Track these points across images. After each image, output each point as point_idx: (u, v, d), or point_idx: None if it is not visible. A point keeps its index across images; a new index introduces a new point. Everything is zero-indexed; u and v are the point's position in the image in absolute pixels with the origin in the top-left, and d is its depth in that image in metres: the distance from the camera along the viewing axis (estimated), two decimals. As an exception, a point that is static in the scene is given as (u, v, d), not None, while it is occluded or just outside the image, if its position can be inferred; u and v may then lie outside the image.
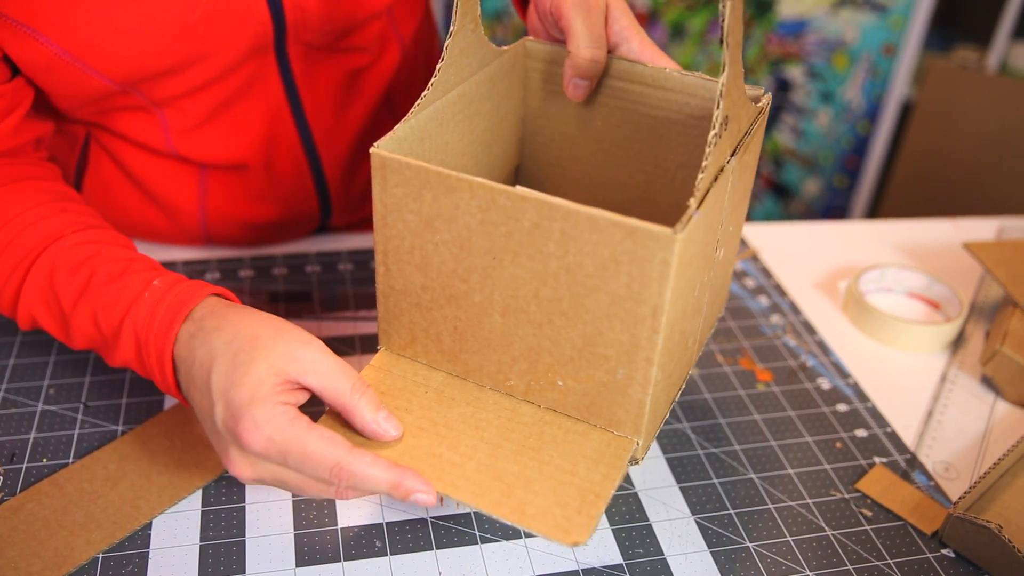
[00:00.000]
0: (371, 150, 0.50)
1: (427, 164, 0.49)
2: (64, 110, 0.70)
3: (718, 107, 0.46)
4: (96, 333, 0.56)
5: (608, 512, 0.59)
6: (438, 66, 0.55)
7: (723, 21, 0.44)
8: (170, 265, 0.78)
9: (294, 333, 0.50)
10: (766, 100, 0.57)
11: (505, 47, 0.62)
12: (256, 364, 0.48)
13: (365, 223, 0.89)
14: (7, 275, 0.58)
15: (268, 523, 0.56)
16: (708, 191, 0.48)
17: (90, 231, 0.59)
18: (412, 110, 0.54)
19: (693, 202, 0.46)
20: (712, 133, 0.46)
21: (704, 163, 0.46)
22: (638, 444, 0.52)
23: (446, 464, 0.51)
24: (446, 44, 0.55)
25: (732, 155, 0.51)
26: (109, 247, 0.58)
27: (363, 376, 0.54)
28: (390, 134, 0.52)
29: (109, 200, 0.78)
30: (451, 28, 0.54)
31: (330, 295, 0.76)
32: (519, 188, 0.47)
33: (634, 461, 0.53)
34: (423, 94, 0.54)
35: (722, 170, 0.50)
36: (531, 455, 0.51)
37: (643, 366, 0.49)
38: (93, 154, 0.76)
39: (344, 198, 0.83)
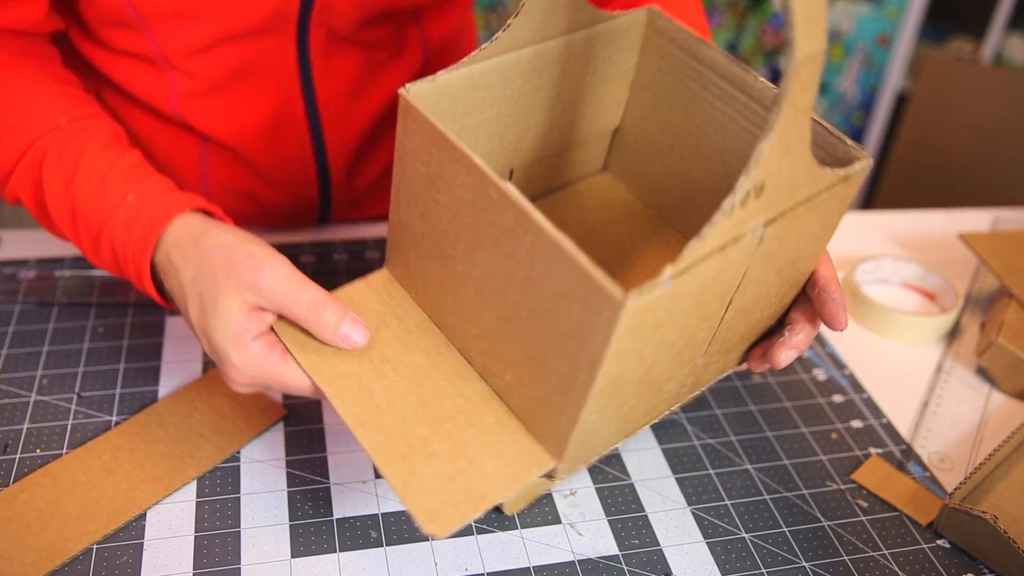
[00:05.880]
0: (400, 91, 0.49)
1: (439, 125, 0.47)
2: (88, 19, 0.69)
3: (747, 174, 0.41)
4: (73, 233, 0.59)
5: (604, 503, 0.58)
6: (509, 21, 0.52)
7: (786, 82, 0.39)
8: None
9: (246, 261, 0.52)
10: (861, 167, 0.50)
11: (620, 12, 0.59)
12: (221, 303, 0.51)
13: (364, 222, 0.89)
14: (3, 158, 0.60)
15: (263, 514, 0.56)
16: (705, 259, 0.43)
17: (84, 120, 0.60)
18: (464, 59, 0.51)
19: (669, 270, 0.41)
20: (728, 200, 0.41)
21: (705, 231, 0.42)
22: (556, 467, 0.50)
23: (368, 402, 0.51)
24: None
25: (767, 225, 0.46)
26: (97, 144, 0.58)
27: (353, 289, 0.56)
28: (430, 78, 0.50)
29: None
30: None
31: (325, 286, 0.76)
32: (508, 186, 0.45)
33: (550, 476, 0.52)
34: (483, 45, 0.52)
35: (737, 240, 0.44)
36: (451, 430, 0.50)
37: (574, 405, 0.46)
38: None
39: (346, 192, 0.83)
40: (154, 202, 0.56)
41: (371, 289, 0.57)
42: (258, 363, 0.51)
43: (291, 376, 0.52)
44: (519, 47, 0.54)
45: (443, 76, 0.51)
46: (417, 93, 0.49)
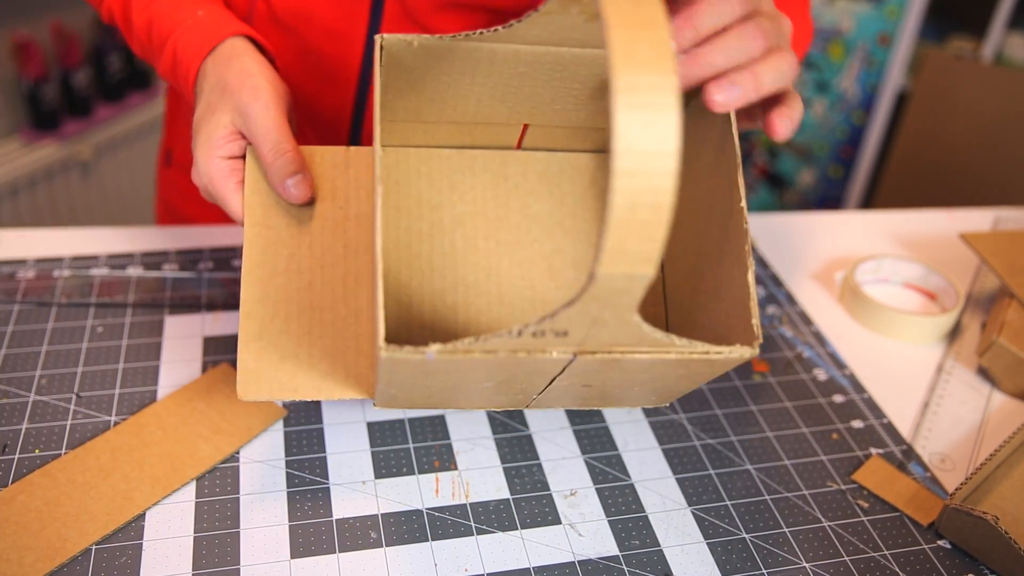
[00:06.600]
0: (376, 36, 0.49)
1: (378, 102, 0.48)
2: None
3: (540, 321, 0.40)
4: (147, 42, 0.66)
5: (604, 503, 0.58)
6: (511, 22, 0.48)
7: (587, 289, 0.37)
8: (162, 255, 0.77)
9: (250, 91, 0.57)
10: (729, 353, 0.46)
11: None
12: (216, 115, 0.57)
13: None
14: None
15: (262, 515, 0.56)
16: (486, 353, 0.43)
17: None
18: (462, 33, 0.49)
19: (435, 347, 0.42)
20: (516, 327, 0.41)
21: (488, 339, 0.42)
22: (373, 400, 0.54)
23: (270, 259, 0.56)
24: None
25: (577, 354, 0.45)
26: None
27: (330, 154, 0.59)
28: (409, 37, 0.49)
29: None
30: None
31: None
32: (378, 194, 0.46)
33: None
34: (485, 29, 0.49)
35: (532, 353, 0.44)
36: (313, 321, 0.55)
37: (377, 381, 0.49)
38: None
39: None
40: (220, 20, 0.62)
41: (347, 160, 0.59)
42: (213, 178, 0.57)
43: (233, 204, 0.57)
44: (534, 44, 0.51)
45: (431, 39, 0.49)
46: (397, 45, 0.49)
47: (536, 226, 0.62)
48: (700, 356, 0.45)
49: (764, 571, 0.55)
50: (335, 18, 0.72)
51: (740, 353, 0.46)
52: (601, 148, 0.63)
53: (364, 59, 0.74)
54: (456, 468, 0.60)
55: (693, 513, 0.58)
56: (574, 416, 0.65)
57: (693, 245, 0.57)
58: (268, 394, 0.53)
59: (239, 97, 0.57)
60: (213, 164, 0.57)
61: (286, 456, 0.60)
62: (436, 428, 0.63)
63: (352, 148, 0.59)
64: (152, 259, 0.76)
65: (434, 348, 0.42)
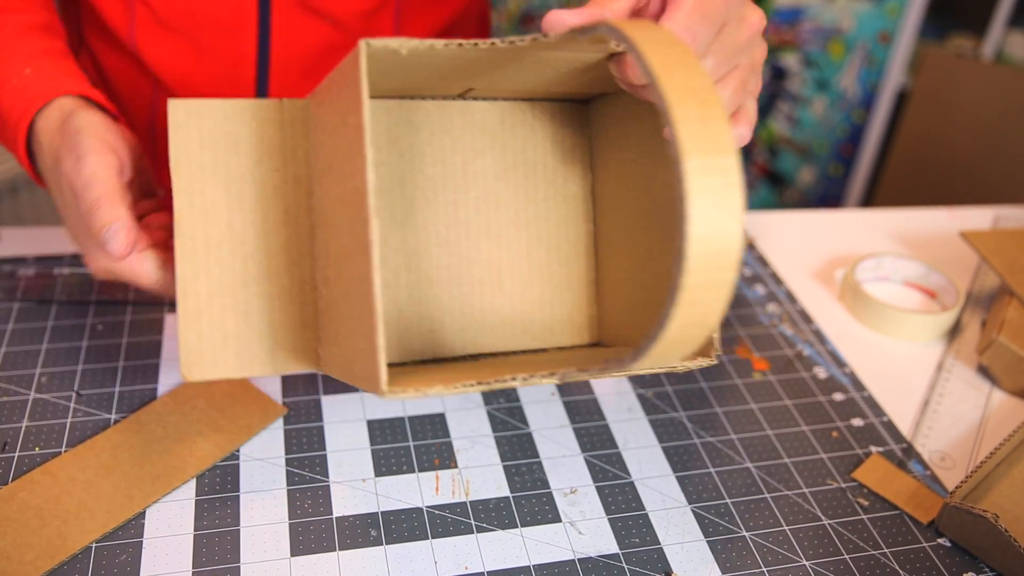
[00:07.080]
0: (361, 42, 0.43)
1: (361, 99, 0.44)
2: None
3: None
4: None
5: (604, 501, 0.58)
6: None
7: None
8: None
9: (69, 151, 0.52)
10: None
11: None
12: (64, 194, 0.53)
13: None
14: None
15: (263, 513, 0.56)
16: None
17: (18, 3, 0.61)
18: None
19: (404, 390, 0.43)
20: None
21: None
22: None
23: (205, 229, 0.52)
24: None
25: None
26: (19, 25, 0.60)
27: (267, 106, 0.53)
28: (397, 43, 0.44)
29: None
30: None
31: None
32: (373, 220, 0.43)
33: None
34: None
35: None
36: (250, 296, 0.53)
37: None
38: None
39: None
40: (45, 80, 0.57)
41: (281, 115, 0.54)
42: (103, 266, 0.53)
43: (144, 271, 0.53)
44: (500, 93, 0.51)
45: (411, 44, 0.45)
46: (375, 52, 0.44)
47: (477, 183, 0.59)
48: (667, 369, 0.48)
49: (764, 569, 0.55)
50: (222, 12, 0.69)
51: (699, 363, 0.49)
52: (541, 96, 0.60)
53: (259, 52, 0.71)
54: (456, 466, 0.60)
55: (693, 511, 0.58)
56: (574, 414, 0.65)
57: (648, 245, 0.57)
58: (214, 373, 0.52)
59: (65, 167, 0.53)
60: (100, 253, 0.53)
61: (286, 454, 0.60)
62: (436, 426, 0.63)
63: (287, 100, 0.54)
64: (152, 257, 0.77)
65: (435, 390, 0.43)
